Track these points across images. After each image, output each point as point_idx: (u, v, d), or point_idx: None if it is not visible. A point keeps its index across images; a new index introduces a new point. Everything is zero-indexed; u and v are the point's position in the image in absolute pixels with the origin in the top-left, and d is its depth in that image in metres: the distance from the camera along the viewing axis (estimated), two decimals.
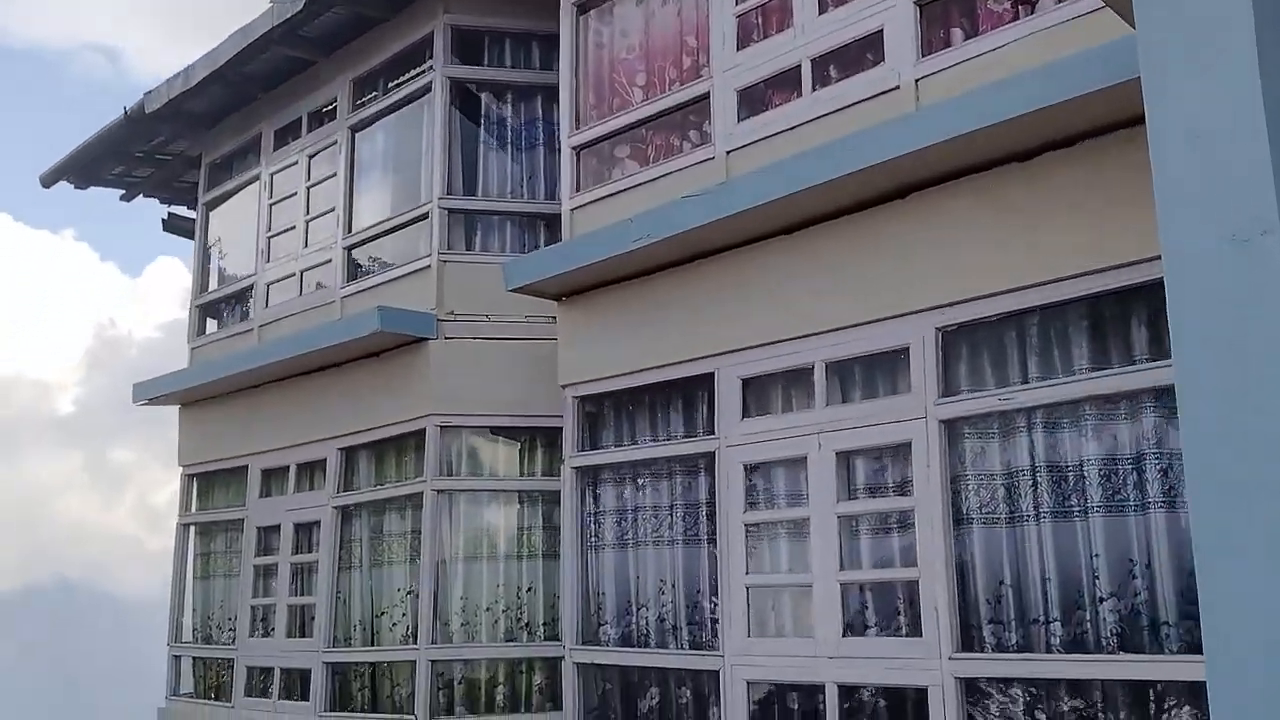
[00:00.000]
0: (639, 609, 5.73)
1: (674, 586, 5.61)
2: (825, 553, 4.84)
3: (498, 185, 7.55)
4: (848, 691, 4.74)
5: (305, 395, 8.03)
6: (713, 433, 5.43)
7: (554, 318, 6.93)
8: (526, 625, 6.96)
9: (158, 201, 11.35)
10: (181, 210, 11.32)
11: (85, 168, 10.22)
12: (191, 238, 10.92)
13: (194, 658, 8.86)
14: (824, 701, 4.75)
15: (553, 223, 7.36)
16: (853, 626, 4.78)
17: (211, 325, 9.46)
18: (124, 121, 9.21)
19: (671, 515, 5.68)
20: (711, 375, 5.44)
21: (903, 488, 4.76)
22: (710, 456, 5.42)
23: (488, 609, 6.97)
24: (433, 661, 6.74)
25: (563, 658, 6.73)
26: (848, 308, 4.93)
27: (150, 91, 8.85)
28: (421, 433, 7.09)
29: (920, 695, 4.51)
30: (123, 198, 11.01)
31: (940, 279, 4.65)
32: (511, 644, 6.89)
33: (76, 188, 10.67)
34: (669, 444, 5.70)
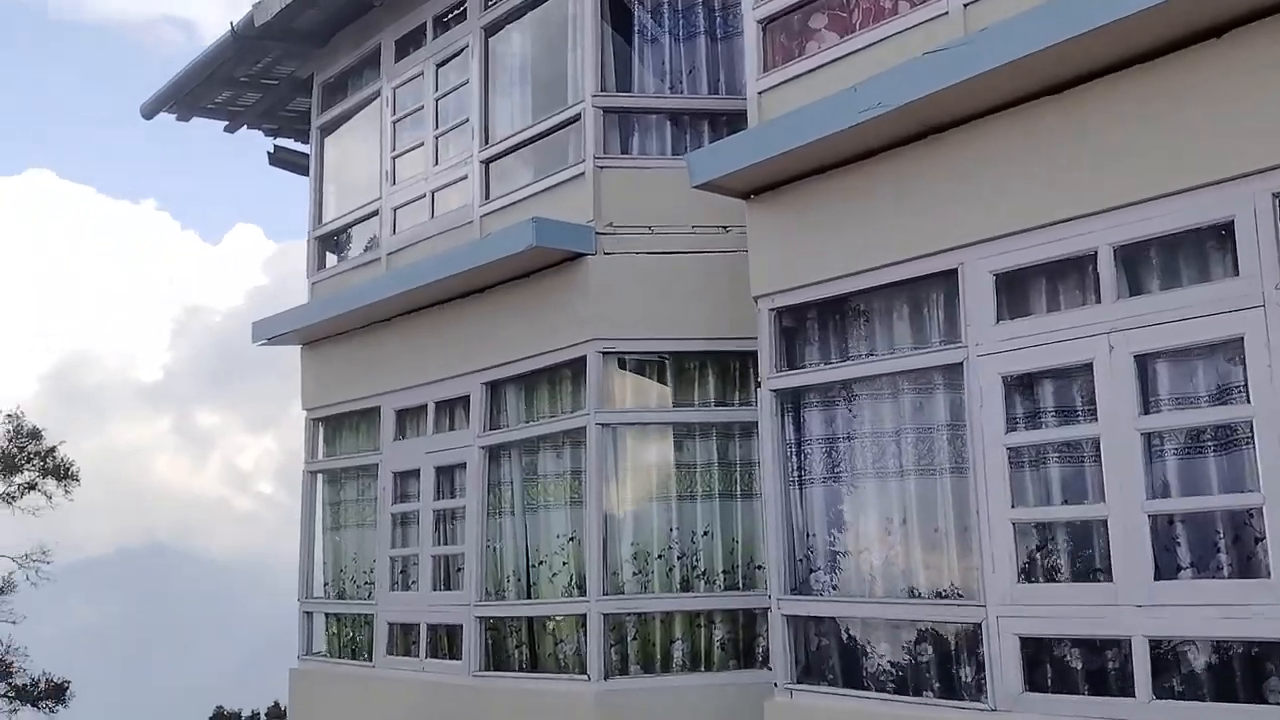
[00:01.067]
0: (860, 551, 4.89)
1: (904, 524, 4.75)
2: (1125, 479, 3.92)
3: (655, 82, 6.69)
4: (1159, 646, 3.85)
5: (442, 326, 7.31)
6: (956, 340, 4.53)
7: (724, 227, 6.16)
8: (703, 574, 6.18)
9: (261, 133, 10.75)
10: (288, 143, 10.72)
11: (188, 95, 9.59)
12: (299, 171, 10.33)
13: (326, 614, 8.30)
14: (1129, 658, 3.87)
15: (720, 121, 6.50)
16: (1162, 568, 3.87)
17: (331, 259, 8.80)
18: (230, 40, 8.54)
19: (898, 441, 4.81)
20: (953, 272, 4.54)
21: (1223, 395, 3.83)
22: (954, 369, 4.53)
23: (660, 556, 6.20)
24: (604, 615, 6.00)
25: (752, 609, 6.05)
26: (1143, 177, 3.98)
27: (258, 3, 8.15)
28: (580, 360, 6.32)
29: (1268, 649, 3.61)
30: (227, 128, 10.41)
31: (1276, 134, 3.68)
32: (691, 595, 6.11)
33: (179, 119, 10.11)
34: (896, 357, 4.82)
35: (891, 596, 4.73)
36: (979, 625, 4.28)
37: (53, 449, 25.93)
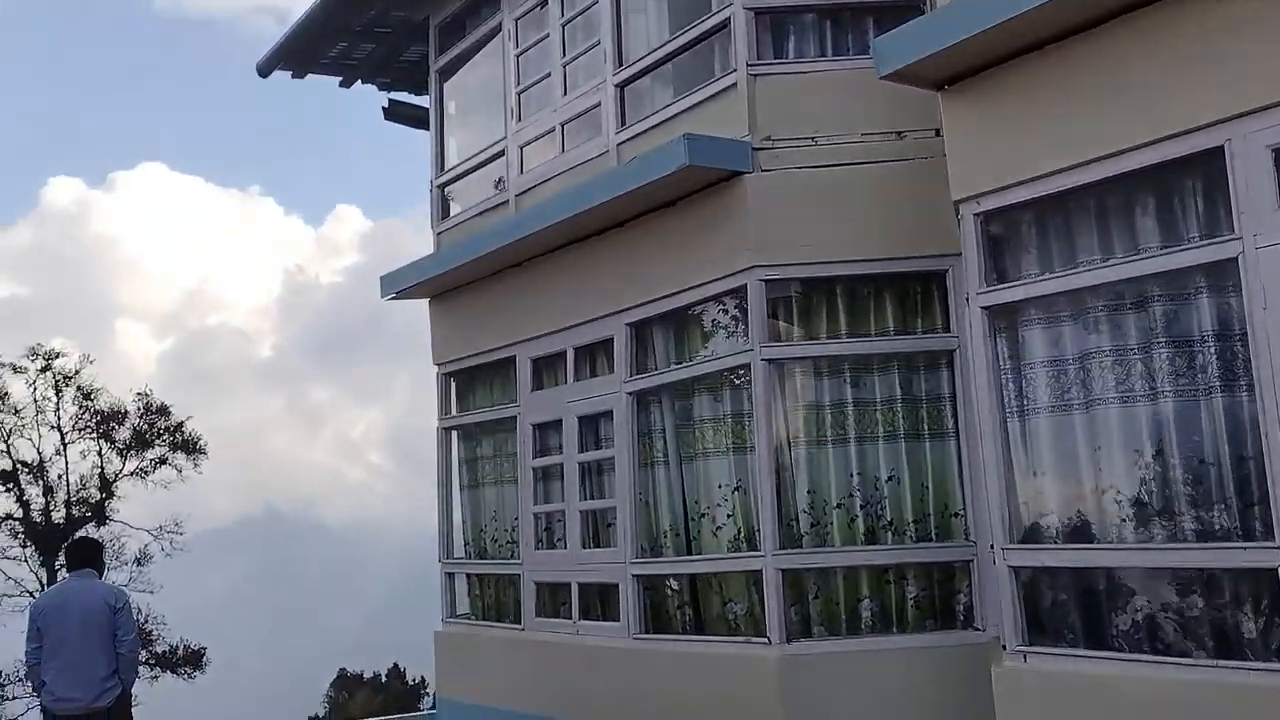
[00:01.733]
0: (1103, 490, 4.17)
1: (1158, 456, 4.02)
2: None
3: None
4: None
5: (580, 267, 6.77)
6: (1224, 232, 3.77)
7: (898, 133, 5.54)
8: (890, 524, 5.53)
9: (375, 88, 10.33)
10: (404, 96, 10.28)
11: (302, 50, 9.21)
12: (415, 124, 9.88)
13: (468, 575, 7.91)
14: None
15: (886, 15, 5.74)
16: None
17: (455, 208, 8.33)
18: None
19: (1147, 359, 4.06)
20: (1217, 151, 3.76)
21: None
22: (1222, 266, 3.77)
23: (839, 505, 5.56)
24: (782, 571, 5.40)
25: (950, 563, 5.38)
26: None
27: None
28: (739, 291, 5.70)
29: None
30: (341, 84, 10.01)
31: None
32: (880, 548, 5.47)
33: (294, 76, 9.73)
34: (1144, 259, 4.06)
35: (1146, 541, 4.01)
36: (1274, 570, 3.55)
37: (180, 424, 26.54)
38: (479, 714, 7.28)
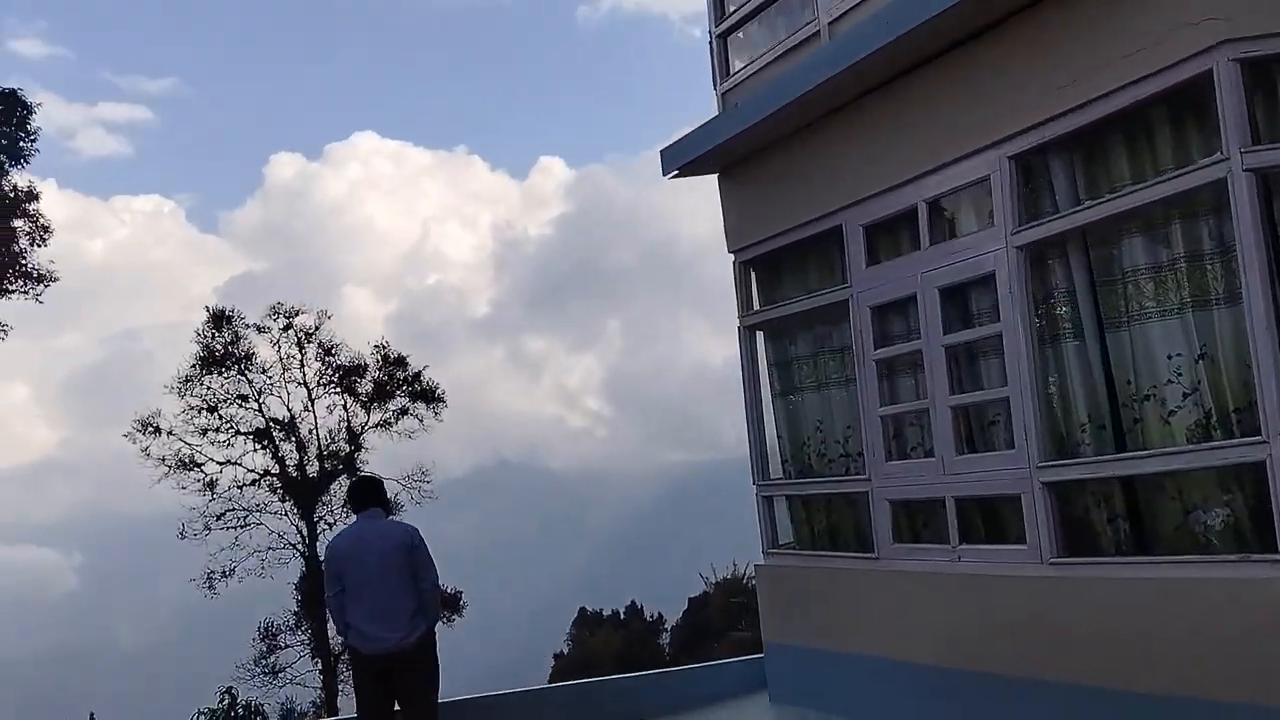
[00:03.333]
0: None
1: None
2: None
3: None
4: None
5: (927, 96, 5.29)
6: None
7: None
8: None
9: None
10: None
11: None
12: None
13: (788, 498, 6.65)
14: None
15: None
16: None
17: (736, 65, 6.96)
18: None
19: None
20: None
21: None
22: None
23: None
24: None
25: None
26: None
27: None
28: (1196, 81, 4.09)
29: None
30: None
31: None
32: None
33: None
34: None
35: None
36: None
37: (418, 374, 26.77)
38: (822, 661, 6.06)
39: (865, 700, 5.72)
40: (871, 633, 5.76)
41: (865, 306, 5.79)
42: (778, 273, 6.64)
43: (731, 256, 6.81)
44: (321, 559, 5.09)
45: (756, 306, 6.73)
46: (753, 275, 6.76)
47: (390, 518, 5.62)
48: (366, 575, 5.19)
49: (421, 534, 5.43)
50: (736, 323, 6.75)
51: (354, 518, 5.49)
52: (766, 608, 6.59)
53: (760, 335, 6.76)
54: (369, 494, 5.56)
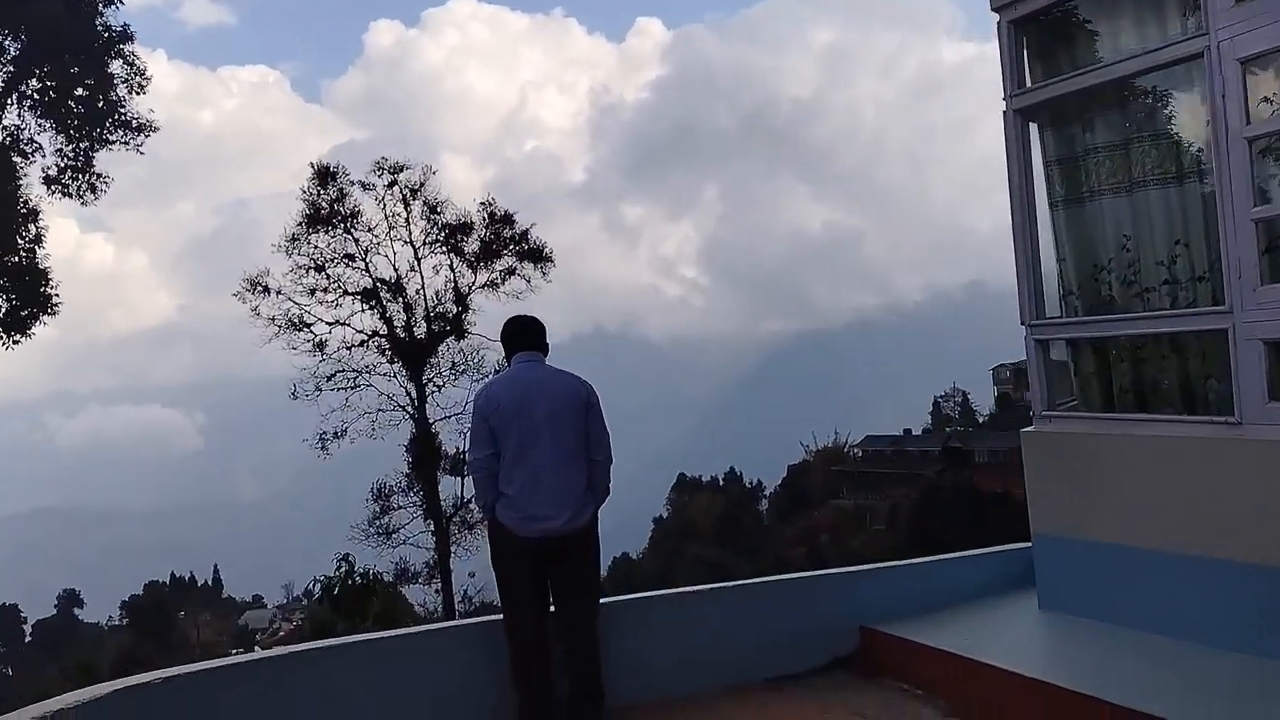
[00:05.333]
0: None
1: None
2: None
3: None
4: None
5: None
6: None
7: None
8: None
9: None
10: None
11: None
12: None
13: (1070, 341, 4.95)
14: None
15: None
16: None
17: None
18: None
19: None
20: None
21: None
22: None
23: None
24: None
25: None
26: None
27: None
28: None
29: None
30: None
31: None
32: None
33: None
34: None
35: None
36: None
37: (525, 232, 25.31)
38: (1129, 561, 4.45)
39: (1189, 618, 4.14)
40: (1213, 526, 4.13)
41: (1232, 60, 3.95)
42: (1067, 32, 4.79)
43: (995, 17, 4.97)
44: (473, 410, 3.61)
45: (1029, 84, 4.90)
46: (1023, 38, 4.92)
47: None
48: (532, 436, 3.83)
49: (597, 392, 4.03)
50: (1002, 106, 4.94)
51: (510, 364, 4.06)
52: (1038, 488, 4.95)
53: (1033, 126, 4.95)
54: (531, 335, 4.16)
